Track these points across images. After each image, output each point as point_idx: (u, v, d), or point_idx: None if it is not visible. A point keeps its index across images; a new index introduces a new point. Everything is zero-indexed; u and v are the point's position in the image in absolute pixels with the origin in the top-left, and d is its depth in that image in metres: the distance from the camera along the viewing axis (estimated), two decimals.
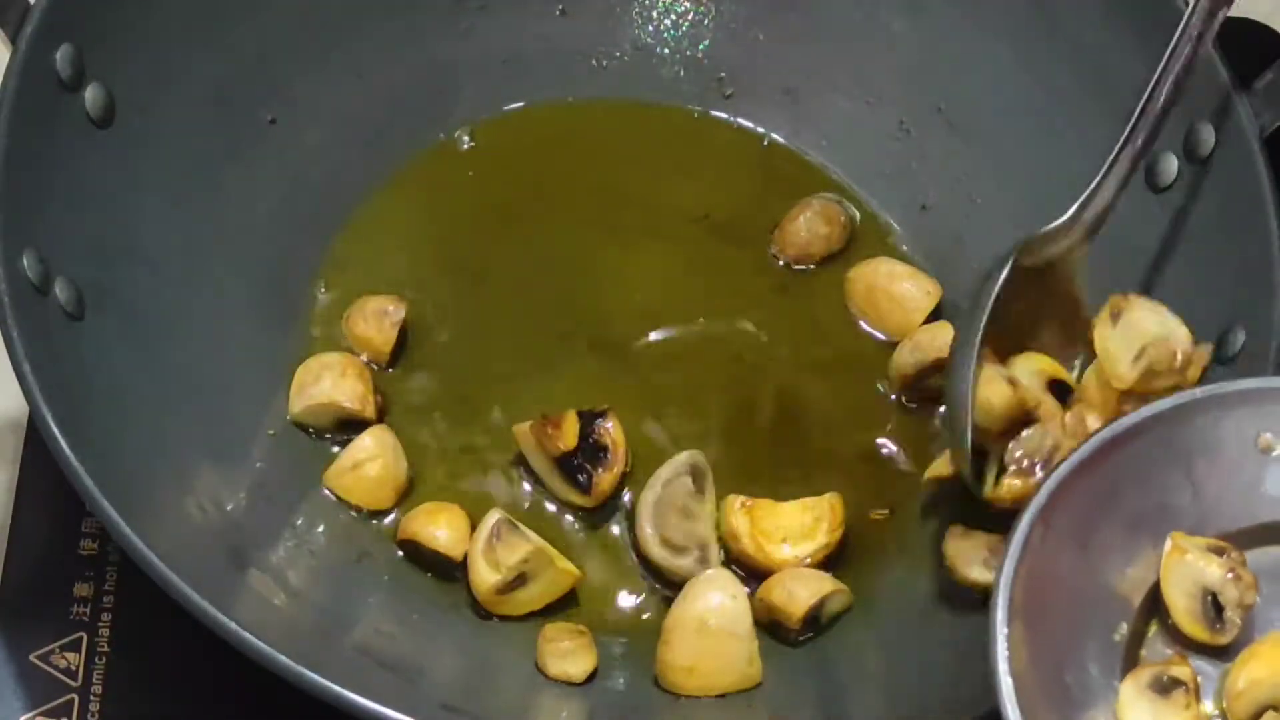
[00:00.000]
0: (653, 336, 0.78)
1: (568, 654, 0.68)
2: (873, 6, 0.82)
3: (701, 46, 0.84)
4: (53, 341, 0.64)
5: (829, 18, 0.82)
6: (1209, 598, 0.55)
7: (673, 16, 0.84)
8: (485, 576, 0.69)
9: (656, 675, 0.69)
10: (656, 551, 0.70)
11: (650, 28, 0.85)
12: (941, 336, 0.73)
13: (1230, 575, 0.55)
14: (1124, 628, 0.56)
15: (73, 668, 0.70)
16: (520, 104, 0.83)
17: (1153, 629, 0.56)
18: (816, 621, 0.70)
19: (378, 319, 0.75)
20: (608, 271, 0.79)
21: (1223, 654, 0.56)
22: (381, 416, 0.74)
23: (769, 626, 0.70)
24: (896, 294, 0.78)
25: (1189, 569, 0.55)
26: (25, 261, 0.64)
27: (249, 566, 0.67)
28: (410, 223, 0.80)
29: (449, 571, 0.70)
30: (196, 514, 0.67)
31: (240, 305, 0.74)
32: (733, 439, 0.75)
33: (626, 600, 0.71)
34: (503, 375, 0.76)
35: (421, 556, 0.70)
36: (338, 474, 0.72)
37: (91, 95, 0.69)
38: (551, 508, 0.73)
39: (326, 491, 0.72)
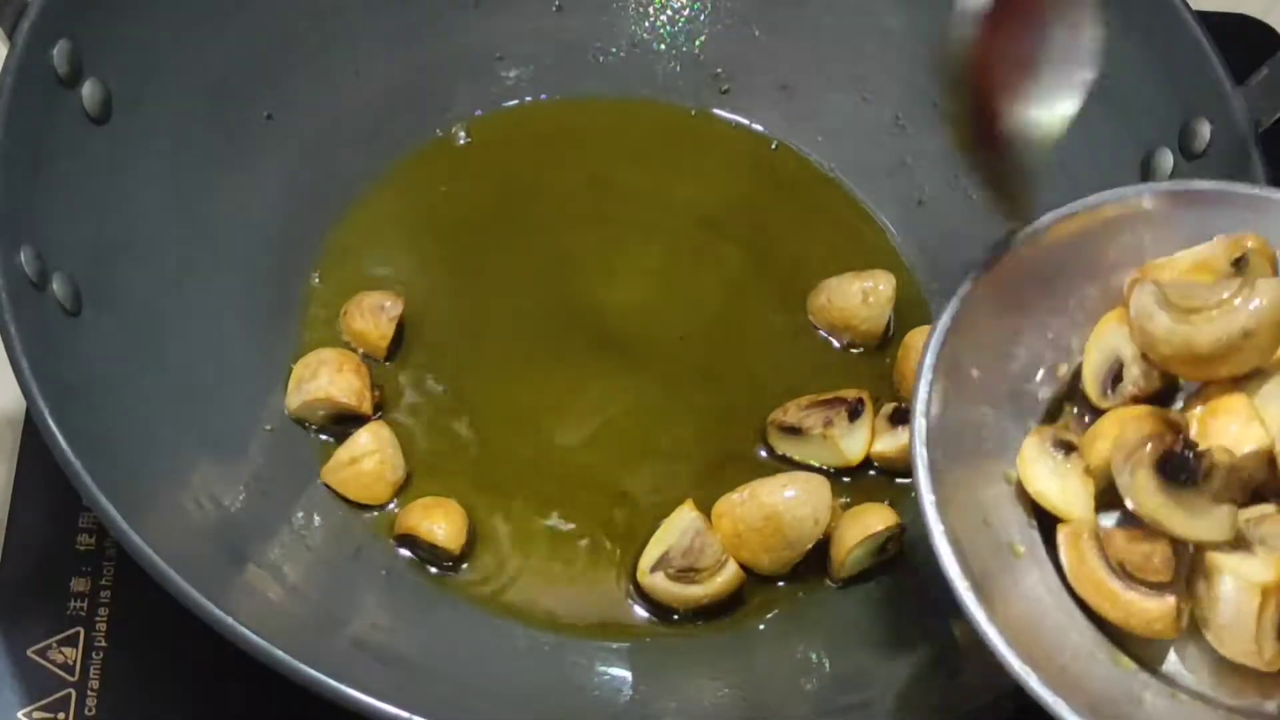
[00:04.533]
0: (648, 331, 0.78)
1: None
2: (868, 3, 0.82)
3: (698, 43, 0.85)
4: (50, 337, 0.64)
5: (824, 14, 0.82)
6: (1116, 366, 0.56)
7: (669, 13, 0.85)
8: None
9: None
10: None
11: (646, 24, 0.85)
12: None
13: (1141, 359, 0.56)
14: (1045, 392, 0.58)
15: (70, 663, 0.70)
16: (517, 100, 0.84)
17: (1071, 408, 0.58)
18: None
19: (375, 314, 0.75)
20: (603, 267, 0.79)
21: None
22: (378, 411, 0.74)
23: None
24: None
25: (1116, 335, 0.56)
26: (23, 257, 0.64)
27: (246, 561, 0.67)
28: (407, 218, 0.80)
29: (446, 565, 0.71)
30: (194, 509, 0.67)
31: (237, 301, 0.74)
32: (728, 436, 0.75)
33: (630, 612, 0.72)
34: (499, 370, 0.76)
35: (419, 551, 0.71)
36: (335, 469, 0.72)
37: (89, 91, 0.69)
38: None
39: (324, 486, 0.72)
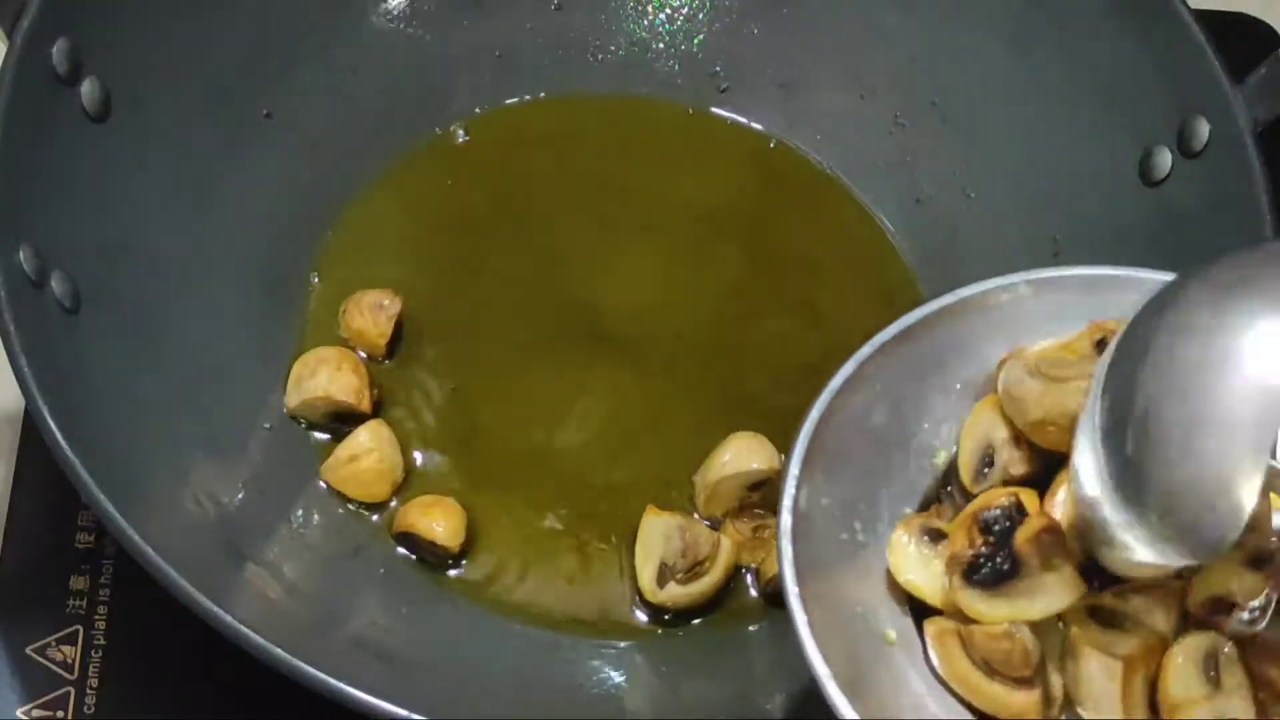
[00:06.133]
0: (647, 330, 0.78)
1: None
2: (868, 2, 0.82)
3: (696, 41, 0.85)
4: (49, 335, 0.64)
5: (824, 12, 0.82)
6: (990, 452, 0.55)
7: (667, 11, 0.85)
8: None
9: None
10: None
11: (645, 22, 0.85)
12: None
13: (1013, 442, 0.55)
14: (923, 480, 0.56)
15: (69, 661, 0.70)
16: (515, 99, 0.84)
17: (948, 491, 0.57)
18: None
19: (374, 312, 0.75)
20: (603, 266, 0.80)
21: None
22: (377, 410, 0.74)
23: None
24: None
25: (988, 420, 0.56)
26: (21, 255, 0.64)
27: (245, 560, 0.67)
28: (406, 217, 0.80)
29: (445, 564, 0.71)
30: (193, 507, 0.67)
31: (236, 299, 0.75)
32: (727, 434, 0.75)
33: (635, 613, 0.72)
34: (498, 369, 0.76)
35: (418, 549, 0.71)
36: (334, 467, 0.72)
37: (88, 90, 0.69)
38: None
39: (323, 485, 0.72)
